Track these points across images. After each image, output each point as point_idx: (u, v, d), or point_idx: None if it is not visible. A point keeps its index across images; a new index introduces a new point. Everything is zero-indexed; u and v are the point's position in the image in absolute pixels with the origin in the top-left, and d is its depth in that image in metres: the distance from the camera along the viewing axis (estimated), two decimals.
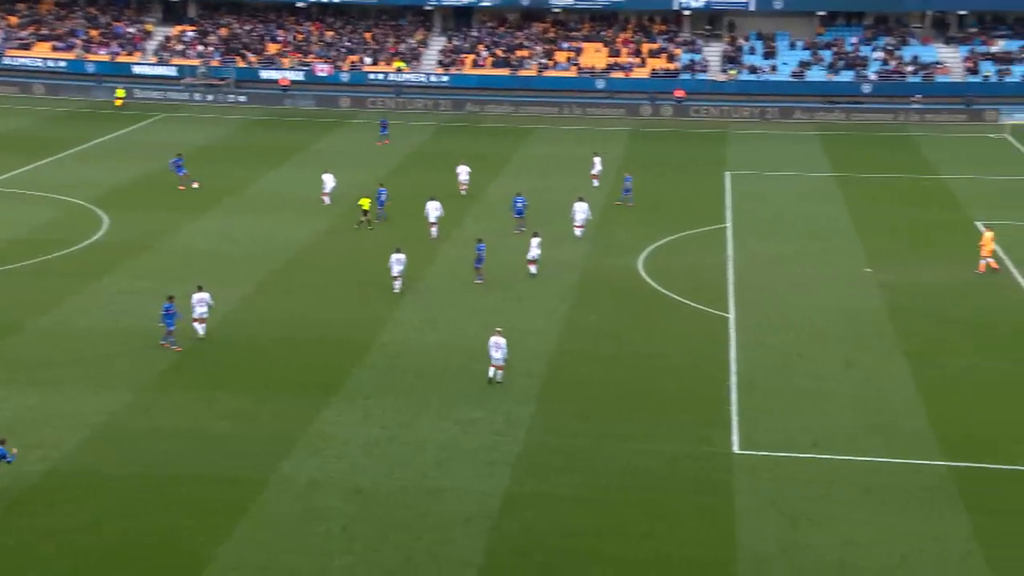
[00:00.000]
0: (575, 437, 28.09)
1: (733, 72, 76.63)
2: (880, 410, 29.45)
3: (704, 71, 77.41)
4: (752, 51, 78.97)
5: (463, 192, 51.47)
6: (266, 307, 37.02)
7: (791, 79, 76.19)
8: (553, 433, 28.31)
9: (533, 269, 39.93)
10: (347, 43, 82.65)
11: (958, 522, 24.03)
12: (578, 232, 44.62)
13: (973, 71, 75.04)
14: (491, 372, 30.90)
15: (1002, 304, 37.30)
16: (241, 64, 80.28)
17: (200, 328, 33.85)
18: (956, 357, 32.92)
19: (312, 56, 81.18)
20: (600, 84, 77.29)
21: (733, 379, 31.43)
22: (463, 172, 52.19)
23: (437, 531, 23.95)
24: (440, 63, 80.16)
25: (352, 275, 40.56)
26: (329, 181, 50.87)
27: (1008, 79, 74.26)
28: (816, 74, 76.29)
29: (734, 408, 29.61)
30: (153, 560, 22.90)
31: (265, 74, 79.85)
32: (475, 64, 79.59)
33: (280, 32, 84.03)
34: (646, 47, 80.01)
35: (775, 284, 39.48)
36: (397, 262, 38.14)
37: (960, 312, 36.54)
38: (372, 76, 79.35)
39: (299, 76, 79.47)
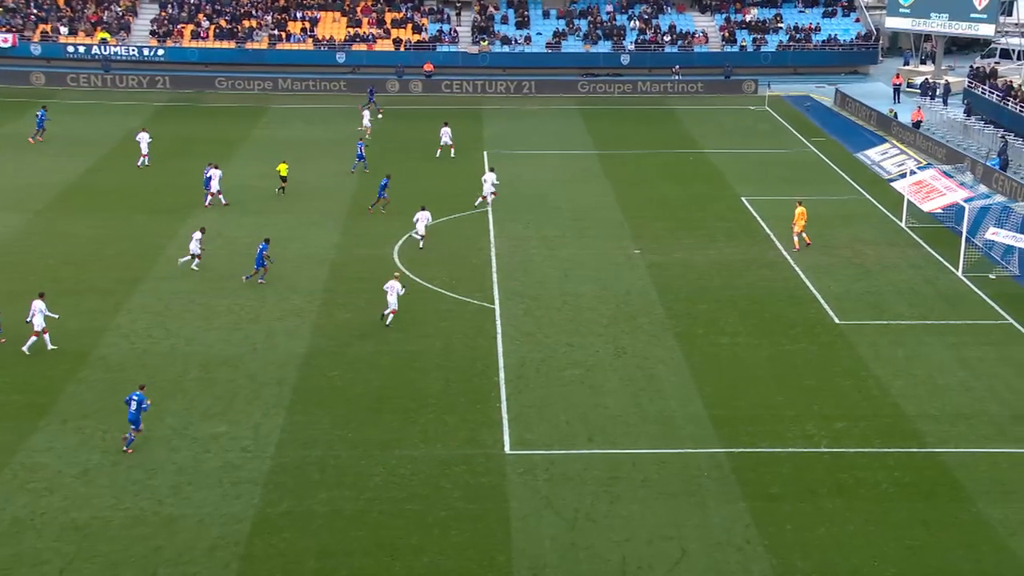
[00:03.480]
0: (332, 448, 27.91)
1: (485, 44, 78.12)
2: (654, 398, 30.91)
3: (455, 43, 78.51)
4: (504, 21, 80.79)
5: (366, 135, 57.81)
6: None
7: (547, 51, 78.56)
8: (307, 445, 28.01)
9: (421, 243, 42.29)
10: (35, 9, 78.08)
11: (737, 510, 25.56)
12: (489, 199, 47.56)
13: (730, 40, 79.95)
14: (389, 315, 34.64)
15: (770, 280, 39.96)
16: None
17: (47, 339, 32.87)
18: (726, 337, 34.99)
19: None
20: (340, 58, 76.88)
21: (501, 374, 32.11)
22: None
23: (176, 565, 23.16)
24: (153, 34, 77.24)
25: (60, 277, 38.48)
26: (144, 141, 52.80)
27: (765, 48, 79.67)
28: (572, 45, 79.00)
29: (504, 406, 30.25)
30: None
31: None
32: (195, 36, 77.25)
33: None
34: (389, 16, 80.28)
35: (541, 270, 40.60)
36: (195, 240, 39.43)
37: (729, 290, 38.86)
38: (71, 49, 75.49)
39: None
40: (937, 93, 69.54)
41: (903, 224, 46.15)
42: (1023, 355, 33.90)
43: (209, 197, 47.15)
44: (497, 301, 37.55)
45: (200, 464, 27.03)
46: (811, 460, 27.78)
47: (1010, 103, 60.09)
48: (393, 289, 34.91)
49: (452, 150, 56.22)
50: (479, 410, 30.03)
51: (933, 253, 42.85)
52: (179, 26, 77.76)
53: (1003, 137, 56.34)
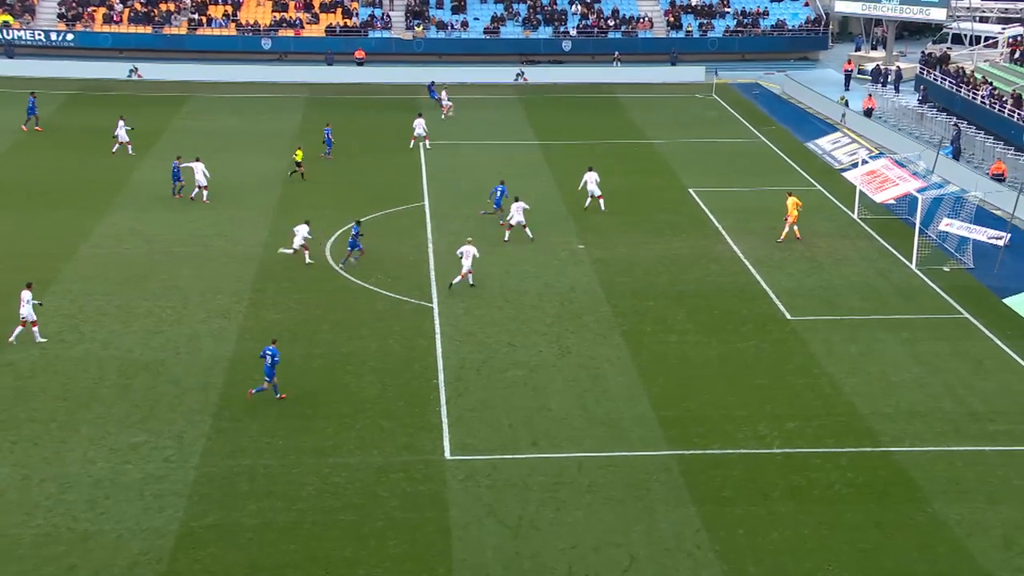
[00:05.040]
0: (261, 456, 27.74)
1: (420, 29, 77.99)
2: (600, 399, 31.09)
3: (387, 28, 78.29)
4: (439, 5, 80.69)
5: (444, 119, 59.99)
6: None
7: (485, 36, 78.58)
8: (235, 454, 27.81)
9: (528, 233, 43.11)
10: None
11: (687, 514, 25.79)
12: (601, 203, 46.84)
13: (676, 26, 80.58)
14: (457, 279, 37.75)
15: (719, 275, 40.36)
16: None
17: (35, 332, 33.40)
18: (675, 335, 35.27)
19: None
20: (266, 44, 76.34)
21: (441, 376, 32.13)
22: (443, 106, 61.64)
23: None
24: (61, 17, 76.03)
25: None
26: (122, 131, 53.24)
27: (711, 34, 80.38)
28: (511, 30, 79.13)
29: (443, 409, 30.27)
30: None
31: None
32: (108, 20, 76.19)
33: None
34: (317, 0, 79.77)
35: (481, 267, 40.56)
36: (299, 234, 40.15)
37: (677, 286, 39.19)
38: None
39: None
40: (889, 80, 70.61)
41: (855, 216, 46.83)
42: (978, 350, 34.58)
43: (195, 190, 46.78)
44: (435, 300, 37.52)
45: (119, 476, 26.70)
46: (763, 461, 28.11)
47: (962, 90, 61.21)
48: (468, 254, 37.78)
49: (427, 141, 56.28)
50: (417, 414, 30.00)
51: (886, 245, 43.54)
52: (90, 9, 76.60)
53: (956, 125, 57.39)
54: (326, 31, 77.47)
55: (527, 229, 42.93)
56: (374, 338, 34.52)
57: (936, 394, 31.72)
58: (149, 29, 75.94)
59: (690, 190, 50.23)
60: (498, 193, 45.27)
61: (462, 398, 30.94)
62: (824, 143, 59.27)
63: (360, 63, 74.88)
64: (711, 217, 46.54)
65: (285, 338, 34.31)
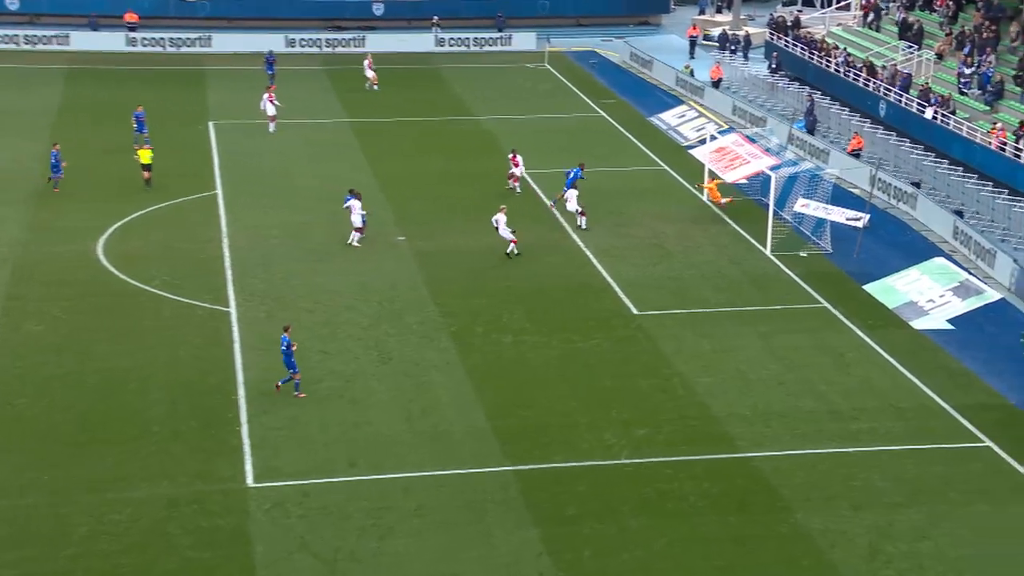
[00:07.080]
0: (22, 495, 26.89)
1: None
2: (427, 410, 31.11)
3: None
4: None
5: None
6: None
7: None
8: None
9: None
10: None
11: (527, 537, 25.97)
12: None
13: None
14: (510, 247, 40.99)
15: (557, 267, 40.84)
16: None
17: None
18: (510, 336, 35.56)
19: None
20: (12, 4, 74.19)
21: (241, 391, 31.73)
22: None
23: None
24: None
25: None
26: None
27: None
28: None
29: (245, 429, 29.87)
30: None
31: None
32: None
33: None
34: None
35: (286, 264, 40.22)
36: (357, 212, 41.78)
37: (510, 281, 39.52)
38: None
39: None
40: (738, 47, 72.58)
41: (705, 198, 47.96)
42: (838, 342, 35.83)
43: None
44: (233, 303, 37.01)
45: None
46: (611, 474, 28.52)
47: (815, 57, 63.34)
48: (501, 223, 40.92)
49: (272, 124, 55.46)
50: (213, 436, 29.53)
51: (739, 230, 44.74)
52: None
53: (810, 96, 59.37)
54: None
55: (583, 217, 44.18)
56: (160, 348, 33.82)
57: (796, 392, 32.73)
58: None
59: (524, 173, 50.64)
60: (571, 175, 45.61)
61: (267, 415, 30.53)
62: (669, 117, 60.47)
63: (132, 28, 73.07)
64: (547, 202, 47.01)
65: (50, 351, 33.39)
